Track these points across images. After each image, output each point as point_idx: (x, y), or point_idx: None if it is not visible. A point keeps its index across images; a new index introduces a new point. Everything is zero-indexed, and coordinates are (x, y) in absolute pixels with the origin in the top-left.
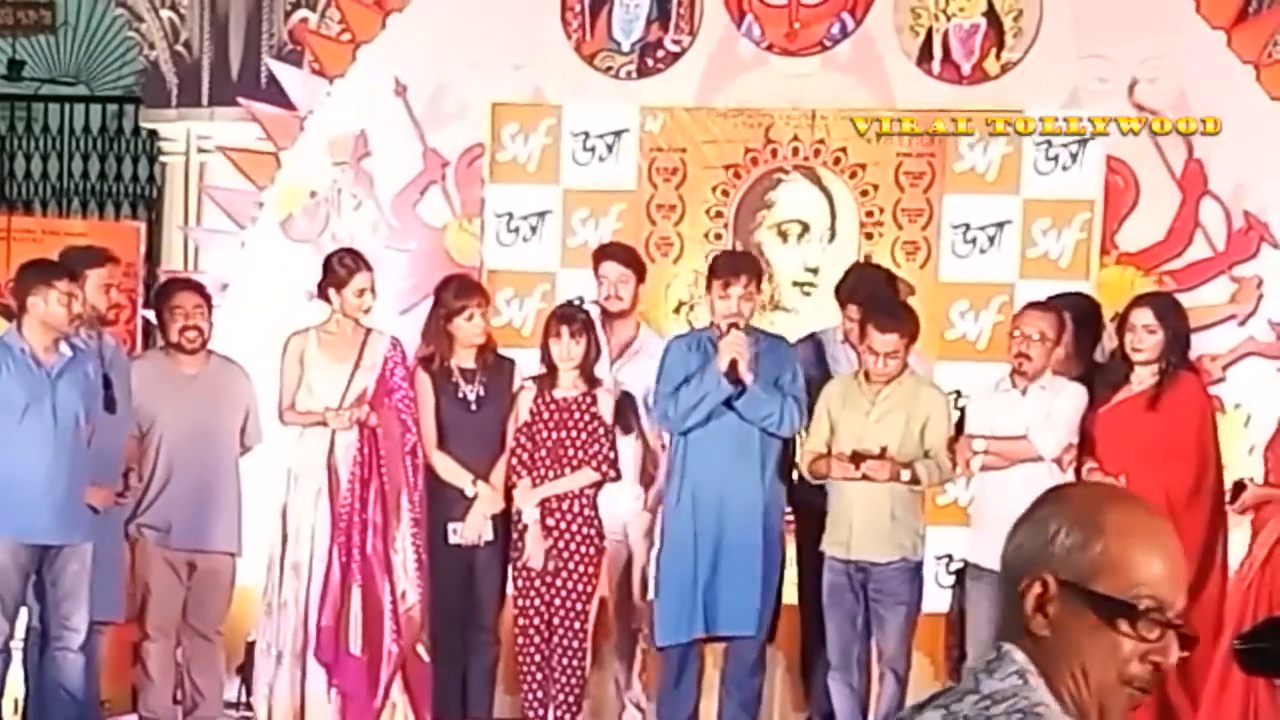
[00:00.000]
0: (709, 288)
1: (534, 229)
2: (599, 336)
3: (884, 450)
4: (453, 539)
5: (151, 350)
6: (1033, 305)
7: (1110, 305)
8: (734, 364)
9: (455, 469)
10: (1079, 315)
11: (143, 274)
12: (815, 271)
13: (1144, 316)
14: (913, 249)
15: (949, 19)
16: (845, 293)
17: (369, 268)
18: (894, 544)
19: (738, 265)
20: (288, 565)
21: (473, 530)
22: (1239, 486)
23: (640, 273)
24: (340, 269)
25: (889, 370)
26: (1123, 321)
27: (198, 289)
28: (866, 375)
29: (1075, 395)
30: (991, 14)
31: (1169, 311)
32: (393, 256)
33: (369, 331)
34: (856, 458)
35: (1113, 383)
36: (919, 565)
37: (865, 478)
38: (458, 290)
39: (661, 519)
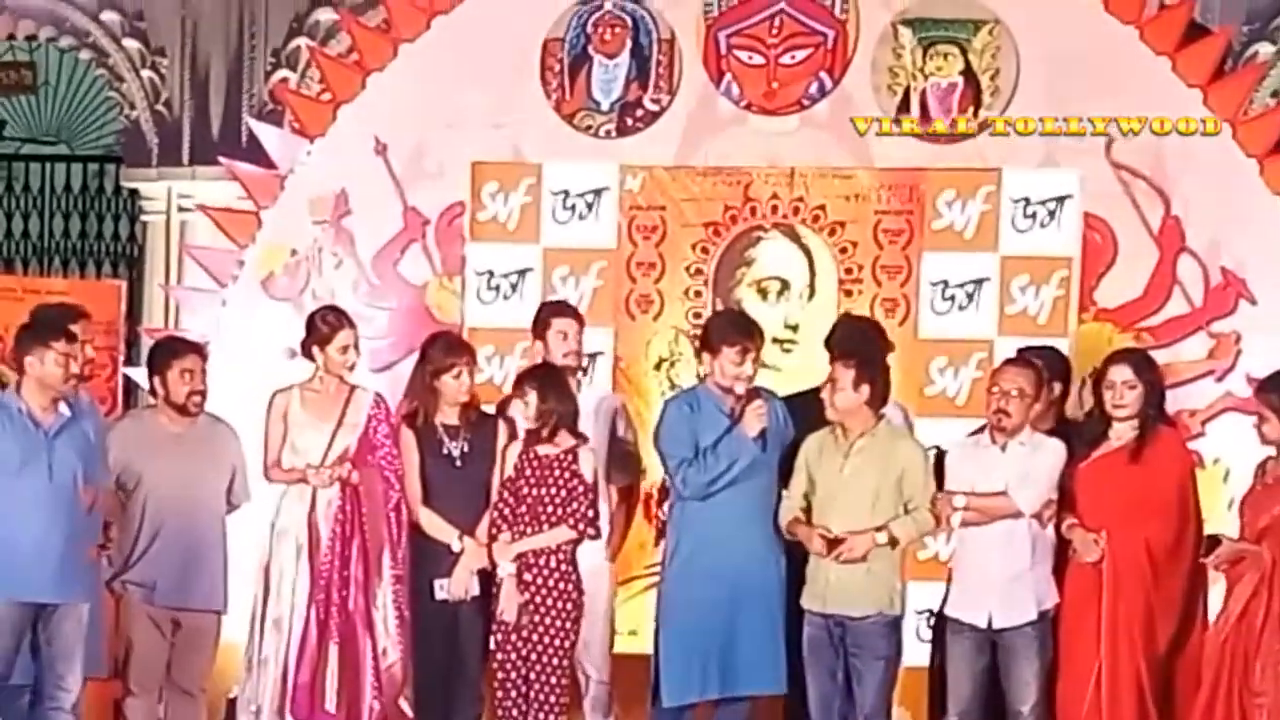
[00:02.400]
0: (714, 350)
1: (514, 287)
2: (573, 393)
3: (841, 538)
4: (439, 594)
5: (137, 409)
6: (1011, 361)
7: (1088, 361)
8: (762, 432)
9: (441, 525)
10: (1052, 370)
11: (124, 332)
12: (795, 329)
13: (1123, 373)
14: (892, 306)
15: (926, 78)
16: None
17: (352, 325)
18: (870, 598)
19: (750, 328)
20: (269, 622)
21: (458, 586)
22: (1213, 542)
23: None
24: (323, 326)
25: (835, 406)
26: (1100, 378)
27: (199, 350)
28: (842, 428)
29: (1054, 451)
30: (969, 73)
31: (1146, 367)
32: (374, 314)
33: (353, 389)
34: (831, 545)
35: (1091, 438)
36: (897, 620)
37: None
38: (445, 347)
39: (663, 579)
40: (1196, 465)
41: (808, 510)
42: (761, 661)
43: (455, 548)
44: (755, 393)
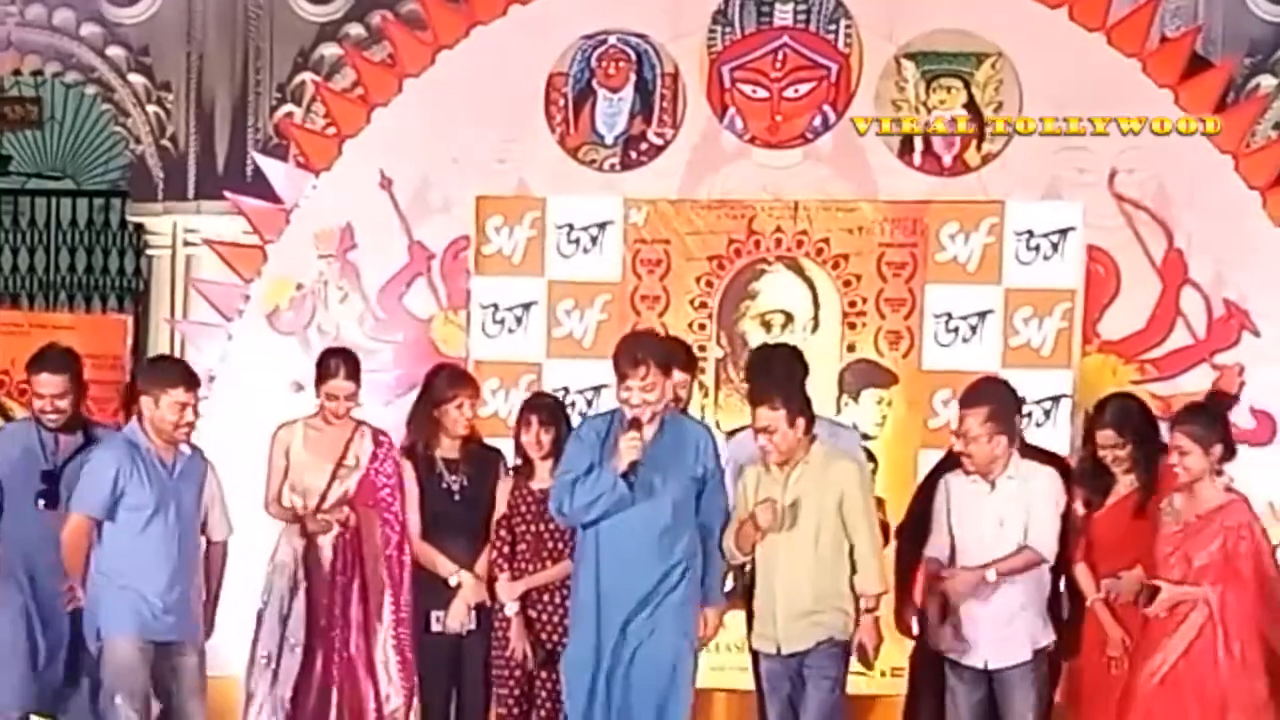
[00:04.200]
0: (616, 375)
1: (519, 320)
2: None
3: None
4: (435, 626)
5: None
6: (963, 405)
7: (1092, 393)
8: (633, 465)
9: (438, 559)
10: (1004, 402)
11: (129, 367)
12: None
13: (1108, 437)
14: (895, 338)
15: (930, 110)
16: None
17: (353, 377)
18: (821, 627)
19: (635, 355)
20: (263, 659)
21: (455, 619)
22: (1153, 590)
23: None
24: (323, 367)
25: (775, 447)
26: (1091, 435)
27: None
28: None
29: (1049, 483)
30: (972, 106)
31: (1126, 421)
32: (379, 348)
33: (358, 425)
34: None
35: (1102, 486)
36: (847, 644)
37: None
38: (448, 379)
39: (571, 613)
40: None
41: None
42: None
43: (452, 582)
44: (635, 423)
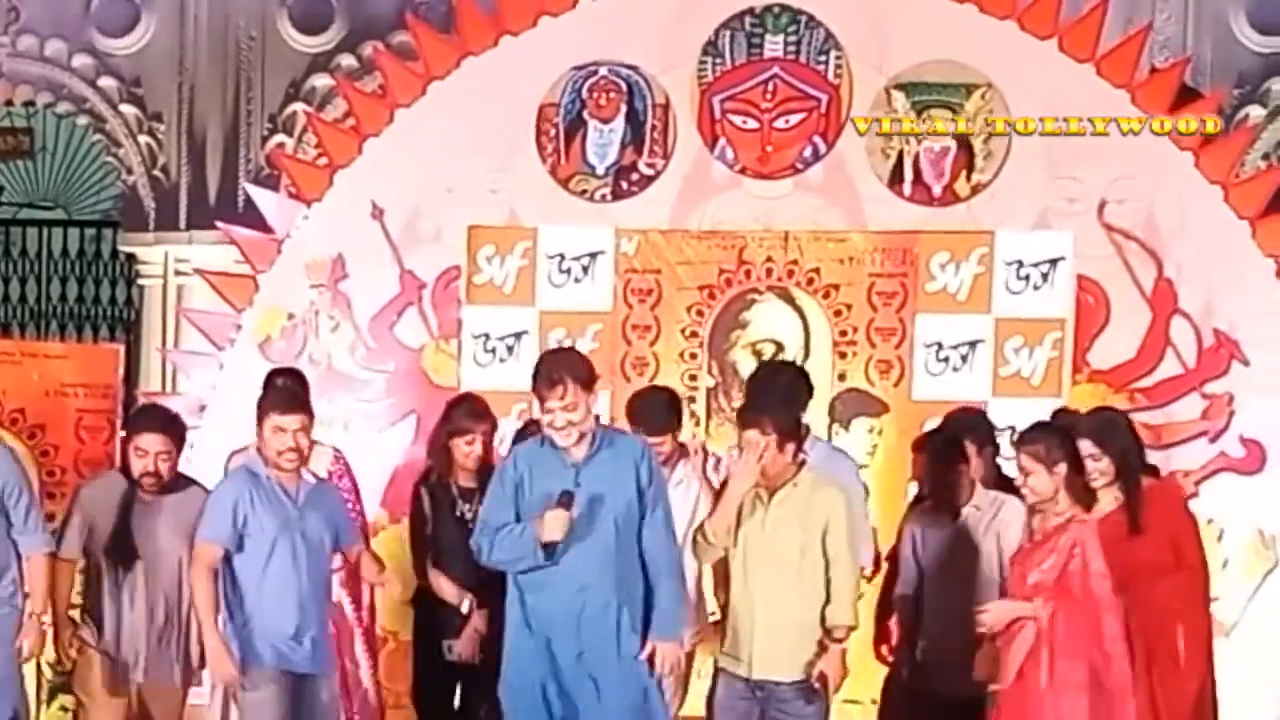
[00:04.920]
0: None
1: (510, 349)
2: None
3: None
4: (448, 656)
5: (110, 470)
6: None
7: None
8: (551, 546)
9: (449, 587)
10: (977, 434)
11: (121, 396)
12: None
13: (1086, 447)
14: (886, 368)
15: (920, 141)
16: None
17: (301, 408)
18: (799, 662)
19: (552, 375)
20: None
21: (468, 647)
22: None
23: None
24: (270, 389)
25: (764, 472)
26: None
27: (169, 429)
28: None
29: (1015, 516)
30: (962, 136)
31: (1109, 434)
32: (371, 378)
33: (311, 444)
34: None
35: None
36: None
37: None
38: (465, 412)
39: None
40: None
41: (725, 564)
42: None
43: (464, 610)
44: (567, 497)
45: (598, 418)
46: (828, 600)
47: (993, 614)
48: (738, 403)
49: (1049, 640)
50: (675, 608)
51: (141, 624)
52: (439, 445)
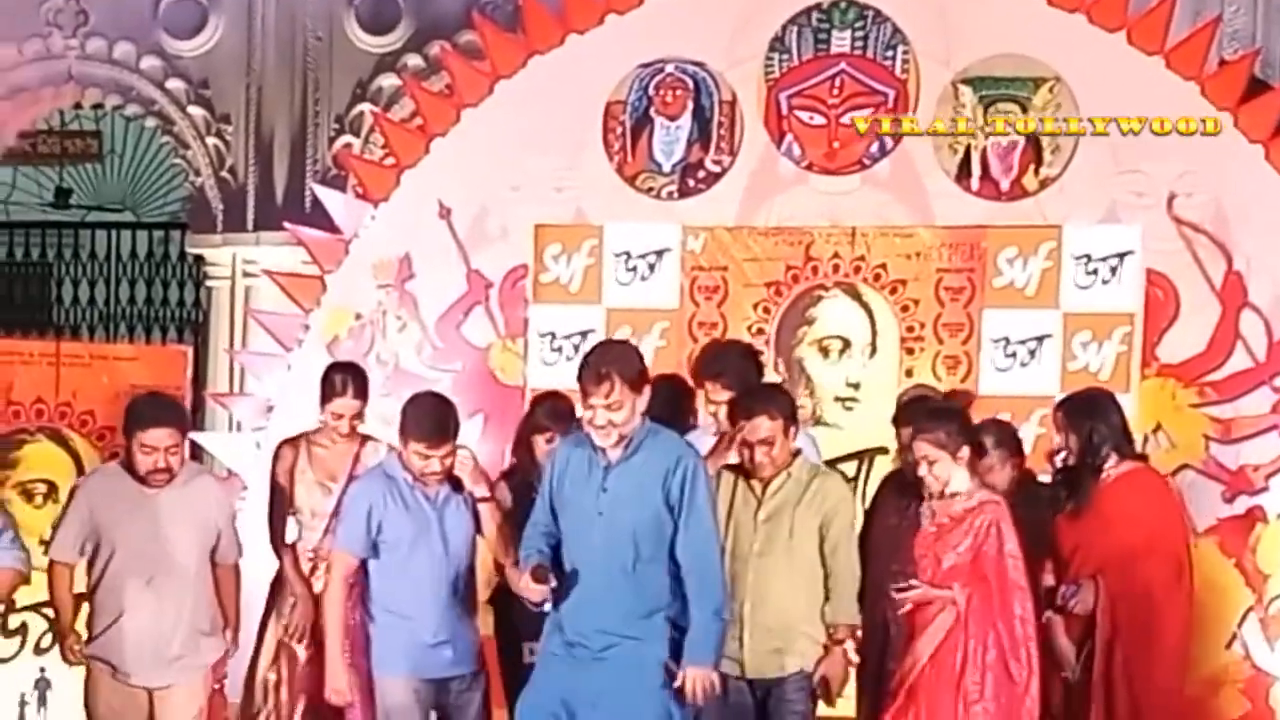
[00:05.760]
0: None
1: (577, 348)
2: None
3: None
4: (528, 658)
5: (110, 463)
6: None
7: (1152, 418)
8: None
9: (533, 587)
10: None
11: (190, 398)
12: (857, 387)
13: (1056, 429)
14: (954, 363)
15: (987, 136)
16: (705, 370)
17: (362, 395)
18: (794, 656)
19: (599, 369)
20: (258, 682)
21: None
22: (900, 591)
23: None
24: (329, 384)
25: (772, 460)
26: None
27: (174, 423)
28: (753, 469)
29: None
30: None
31: (1078, 414)
32: (438, 377)
33: (364, 441)
34: None
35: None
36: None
37: None
38: (547, 412)
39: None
40: (1174, 496)
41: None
42: None
43: (547, 609)
44: (542, 571)
45: (646, 416)
46: (826, 598)
47: (916, 594)
48: (804, 400)
49: (966, 624)
50: (709, 633)
51: (150, 626)
52: (522, 442)
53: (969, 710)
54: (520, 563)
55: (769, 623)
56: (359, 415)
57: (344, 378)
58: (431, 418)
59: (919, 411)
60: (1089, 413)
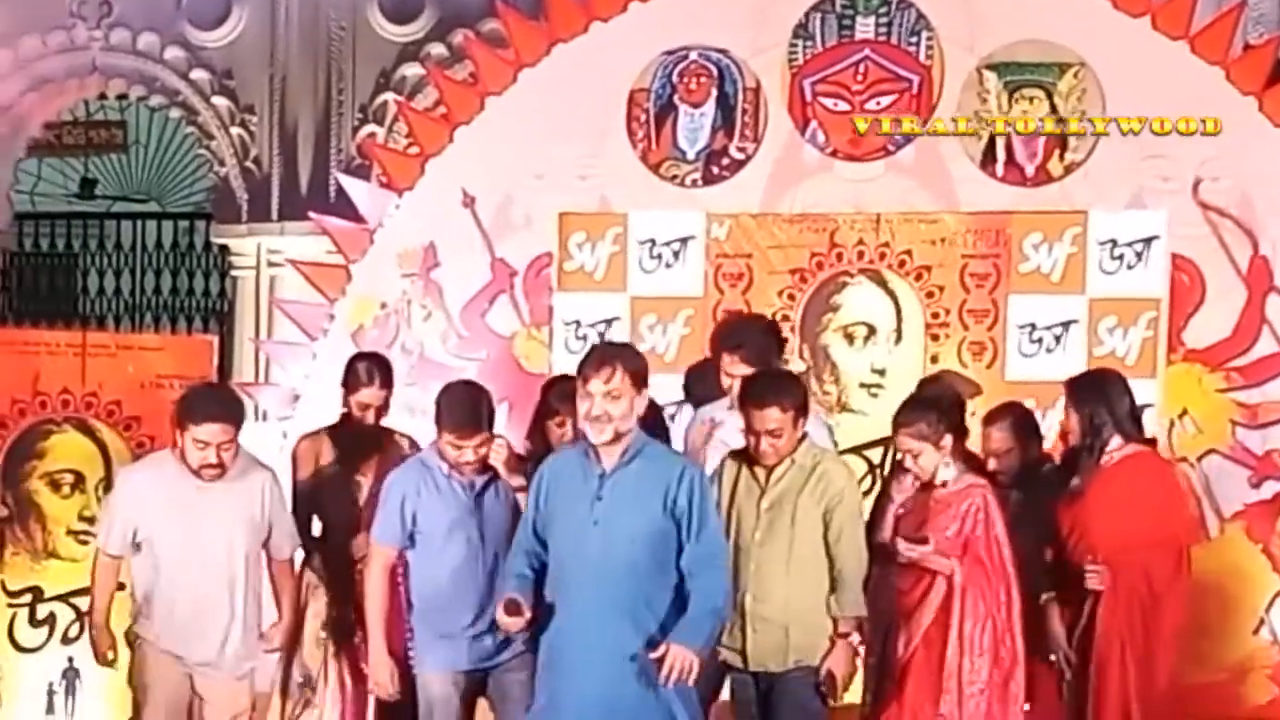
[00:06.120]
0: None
1: (602, 336)
2: None
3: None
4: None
5: (157, 454)
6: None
7: (1178, 402)
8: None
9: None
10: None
11: None
12: (882, 373)
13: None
14: (979, 349)
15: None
16: (724, 342)
17: (388, 385)
18: (797, 649)
19: (604, 355)
20: (293, 683)
21: None
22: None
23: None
24: (353, 374)
25: (777, 451)
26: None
27: (228, 416)
28: (758, 457)
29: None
30: (1055, 115)
31: (1081, 395)
32: (463, 365)
33: (388, 434)
34: None
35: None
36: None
37: None
38: (558, 395)
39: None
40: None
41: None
42: None
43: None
44: (514, 605)
45: (650, 415)
46: (832, 589)
47: (924, 550)
48: (829, 386)
49: (961, 602)
50: (703, 621)
51: (198, 620)
52: (536, 428)
53: (965, 694)
54: (496, 591)
55: (771, 614)
56: (385, 406)
57: (369, 367)
58: (464, 407)
59: (906, 404)
60: (1092, 393)
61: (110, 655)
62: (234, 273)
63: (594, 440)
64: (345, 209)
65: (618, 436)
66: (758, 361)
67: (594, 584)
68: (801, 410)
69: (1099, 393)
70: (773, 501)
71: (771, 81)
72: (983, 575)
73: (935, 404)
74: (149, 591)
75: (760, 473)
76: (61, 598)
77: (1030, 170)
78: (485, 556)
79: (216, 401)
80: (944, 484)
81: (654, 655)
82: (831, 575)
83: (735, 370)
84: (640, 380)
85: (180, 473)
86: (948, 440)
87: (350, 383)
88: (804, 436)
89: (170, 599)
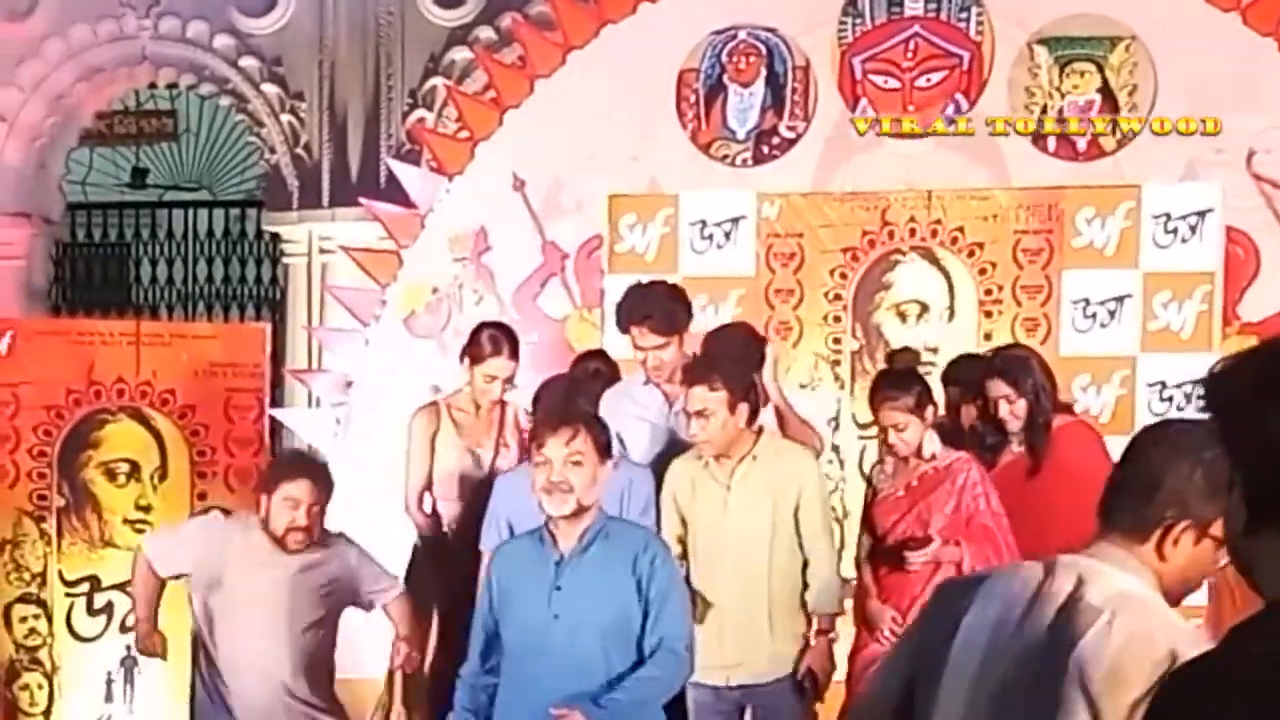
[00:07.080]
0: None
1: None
2: None
3: None
4: None
5: (238, 514)
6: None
7: None
8: None
9: None
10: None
11: (269, 374)
12: (935, 351)
13: (999, 387)
14: (1033, 325)
15: (1063, 96)
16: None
17: (514, 356)
18: (775, 658)
19: (568, 412)
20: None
21: None
22: (923, 540)
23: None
24: (477, 345)
25: (710, 440)
26: (981, 388)
27: (316, 474)
28: (716, 455)
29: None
30: (1106, 89)
31: (1021, 373)
32: None
33: (505, 405)
34: None
35: (991, 447)
36: (813, 676)
37: None
38: (585, 371)
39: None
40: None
41: (684, 556)
42: None
43: None
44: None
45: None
46: (805, 586)
47: (933, 548)
48: (881, 366)
49: None
50: (634, 684)
51: (260, 682)
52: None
53: None
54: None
55: (751, 623)
56: (511, 379)
57: (494, 335)
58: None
59: (888, 378)
60: (1030, 371)
61: (159, 650)
62: (285, 260)
63: (551, 512)
64: (396, 194)
65: (579, 511)
66: (667, 331)
67: (556, 678)
68: (740, 396)
69: (1037, 369)
70: (740, 503)
71: (821, 59)
72: (990, 548)
73: (916, 377)
74: (209, 635)
75: (719, 474)
76: (119, 586)
77: (1082, 145)
78: None
79: (306, 463)
80: (933, 456)
81: (555, 714)
82: (804, 572)
83: (645, 342)
84: (604, 450)
85: (262, 538)
86: (930, 412)
87: (475, 354)
88: (760, 430)
89: (232, 654)
